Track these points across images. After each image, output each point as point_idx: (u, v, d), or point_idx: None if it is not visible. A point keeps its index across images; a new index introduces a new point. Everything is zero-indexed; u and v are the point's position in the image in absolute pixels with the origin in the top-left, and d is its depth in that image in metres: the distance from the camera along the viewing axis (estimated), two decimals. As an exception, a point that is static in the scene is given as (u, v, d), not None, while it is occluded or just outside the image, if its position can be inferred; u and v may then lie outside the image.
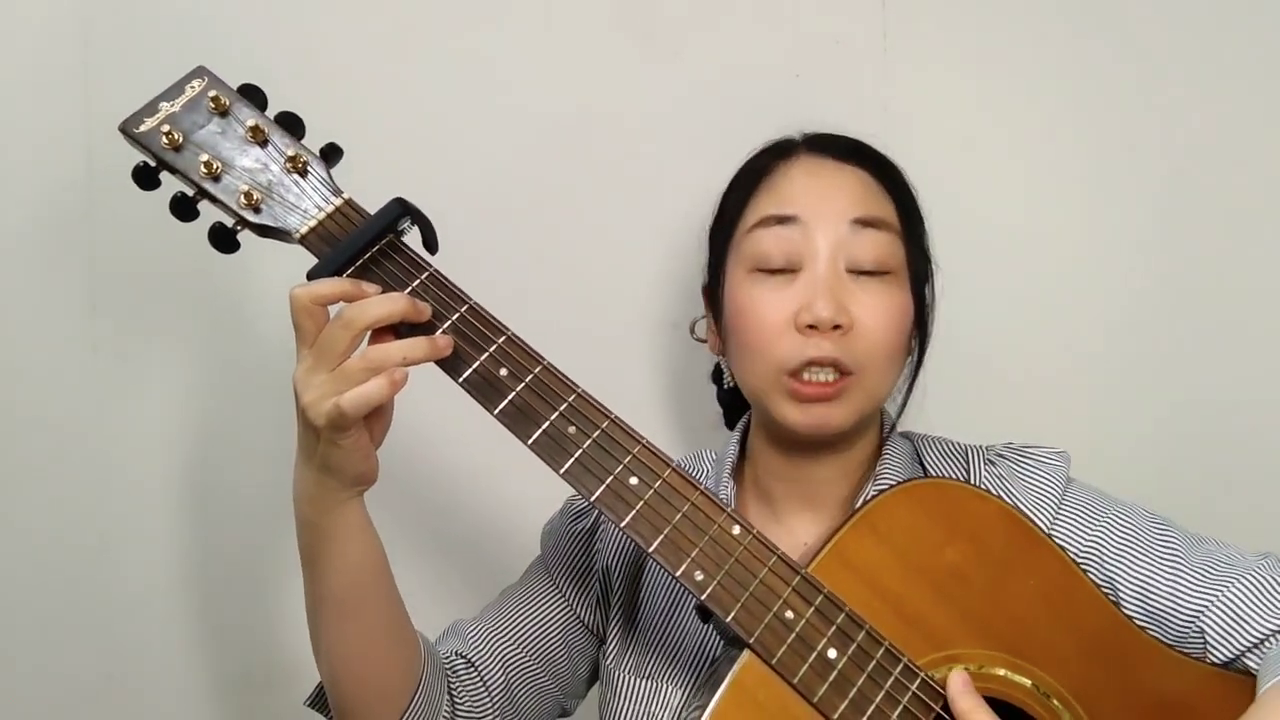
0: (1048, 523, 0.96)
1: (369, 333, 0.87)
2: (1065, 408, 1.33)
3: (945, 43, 1.33)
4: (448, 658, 1.02)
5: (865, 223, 0.98)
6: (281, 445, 1.29)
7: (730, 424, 1.15)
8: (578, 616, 1.08)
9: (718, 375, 1.13)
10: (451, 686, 1.00)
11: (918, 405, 1.07)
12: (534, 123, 1.32)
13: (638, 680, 1.01)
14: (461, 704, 1.00)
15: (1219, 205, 1.31)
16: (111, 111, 1.26)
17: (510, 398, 0.88)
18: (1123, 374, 1.33)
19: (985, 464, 1.01)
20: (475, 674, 1.02)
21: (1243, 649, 0.90)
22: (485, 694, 1.02)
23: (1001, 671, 0.88)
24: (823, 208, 0.98)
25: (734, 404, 1.13)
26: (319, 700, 1.02)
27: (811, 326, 0.95)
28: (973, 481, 0.99)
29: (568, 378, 0.89)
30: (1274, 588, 0.91)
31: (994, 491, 0.96)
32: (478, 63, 1.33)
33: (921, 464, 1.04)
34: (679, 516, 0.87)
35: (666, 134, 1.33)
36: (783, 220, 0.98)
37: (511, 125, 1.32)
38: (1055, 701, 0.88)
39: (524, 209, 1.32)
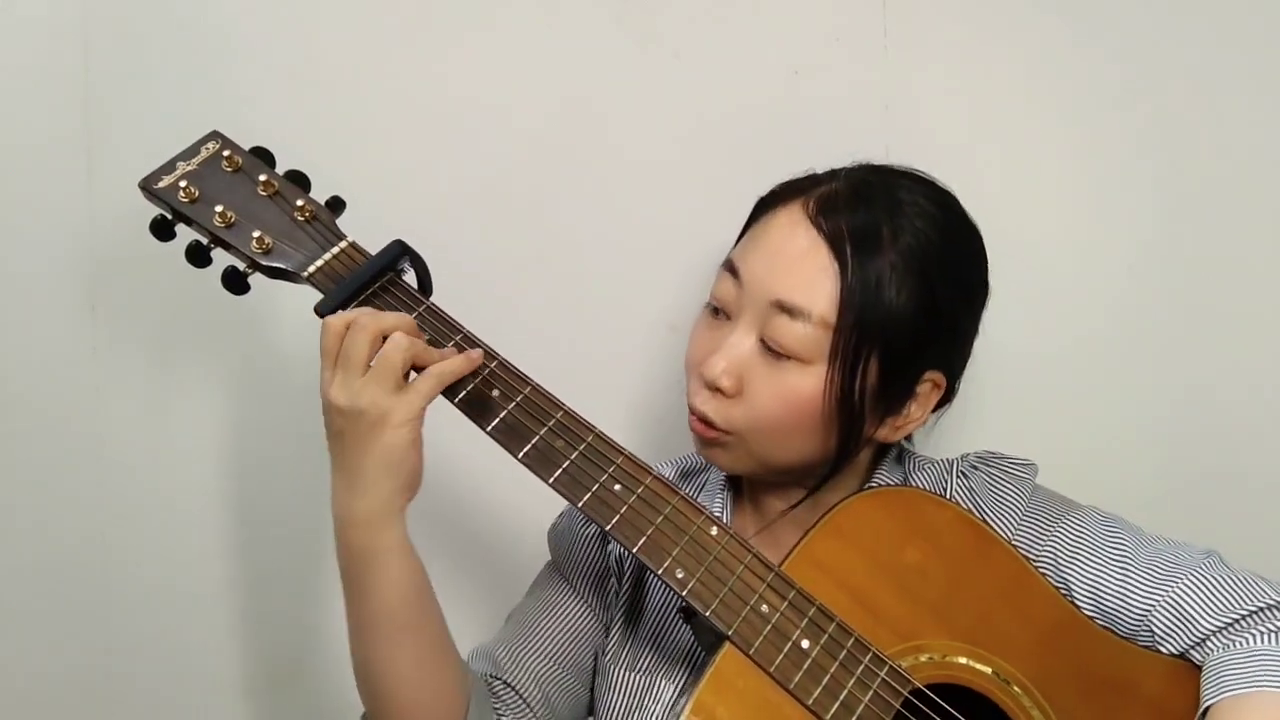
0: (1012, 528, 1.01)
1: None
2: (1064, 407, 1.32)
3: (945, 41, 1.32)
4: (485, 680, 1.04)
5: (783, 308, 0.96)
6: (281, 444, 1.33)
7: None
8: (598, 618, 1.10)
9: None
10: (496, 709, 1.03)
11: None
12: (533, 122, 1.33)
13: (632, 675, 1.05)
14: None
15: (1220, 204, 1.30)
16: (111, 112, 1.30)
17: (502, 416, 0.96)
18: (1122, 373, 1.32)
19: (959, 476, 1.05)
20: (513, 693, 1.04)
21: (1187, 645, 0.95)
22: (528, 710, 1.04)
23: (963, 660, 0.95)
24: (760, 276, 0.98)
25: None
26: None
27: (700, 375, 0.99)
28: (949, 493, 1.04)
29: (554, 397, 0.97)
30: (1215, 586, 0.96)
31: (965, 502, 1.02)
32: (477, 62, 1.33)
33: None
34: (660, 519, 0.94)
35: (667, 133, 1.33)
36: (733, 271, 1.00)
37: (511, 125, 1.33)
38: (1015, 687, 0.94)
39: (523, 209, 1.33)
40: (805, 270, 0.96)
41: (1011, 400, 1.30)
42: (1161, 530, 1.03)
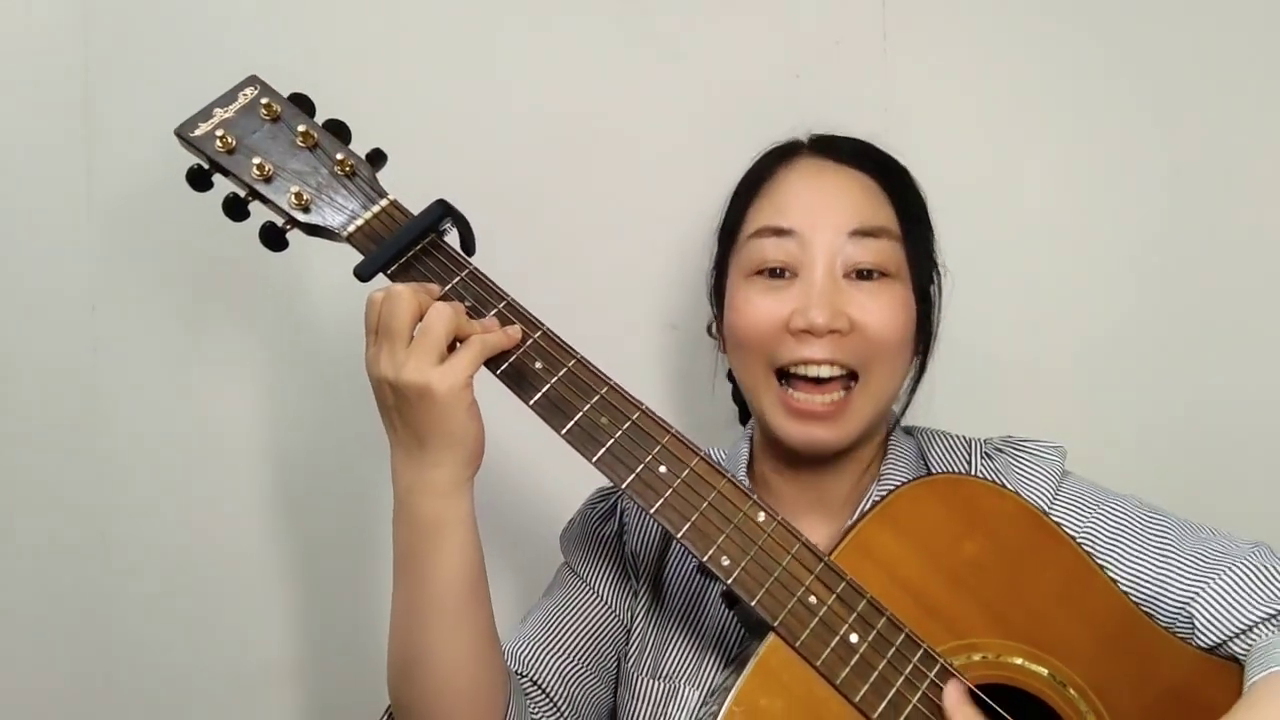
0: (1044, 514, 0.98)
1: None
2: (1068, 404, 1.34)
3: (945, 43, 1.34)
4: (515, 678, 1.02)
5: (863, 233, 1.00)
6: (282, 444, 1.34)
7: (744, 420, 1.18)
8: (619, 619, 1.08)
9: (733, 374, 1.16)
10: (529, 709, 1.01)
11: (921, 402, 1.10)
12: (535, 123, 1.34)
13: (654, 681, 1.03)
14: None
15: (1221, 203, 1.32)
16: (111, 111, 1.30)
17: (545, 390, 0.92)
18: (1125, 370, 1.33)
19: (983, 458, 1.04)
20: (542, 693, 1.02)
21: (1228, 635, 0.93)
22: (554, 709, 1.02)
23: (1019, 660, 0.91)
24: (820, 220, 1.00)
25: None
26: None
27: (806, 331, 0.98)
28: (972, 473, 1.02)
29: (601, 371, 0.93)
30: (1262, 576, 0.94)
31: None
32: (478, 62, 1.34)
33: (925, 460, 1.06)
34: (706, 504, 0.90)
35: (667, 134, 1.34)
36: (780, 232, 1.01)
37: (512, 125, 1.34)
38: (1071, 690, 0.91)
39: (524, 209, 1.33)
40: (855, 196, 1.01)
41: (1014, 396, 1.33)
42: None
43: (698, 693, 1.01)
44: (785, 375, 1.01)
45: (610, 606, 1.08)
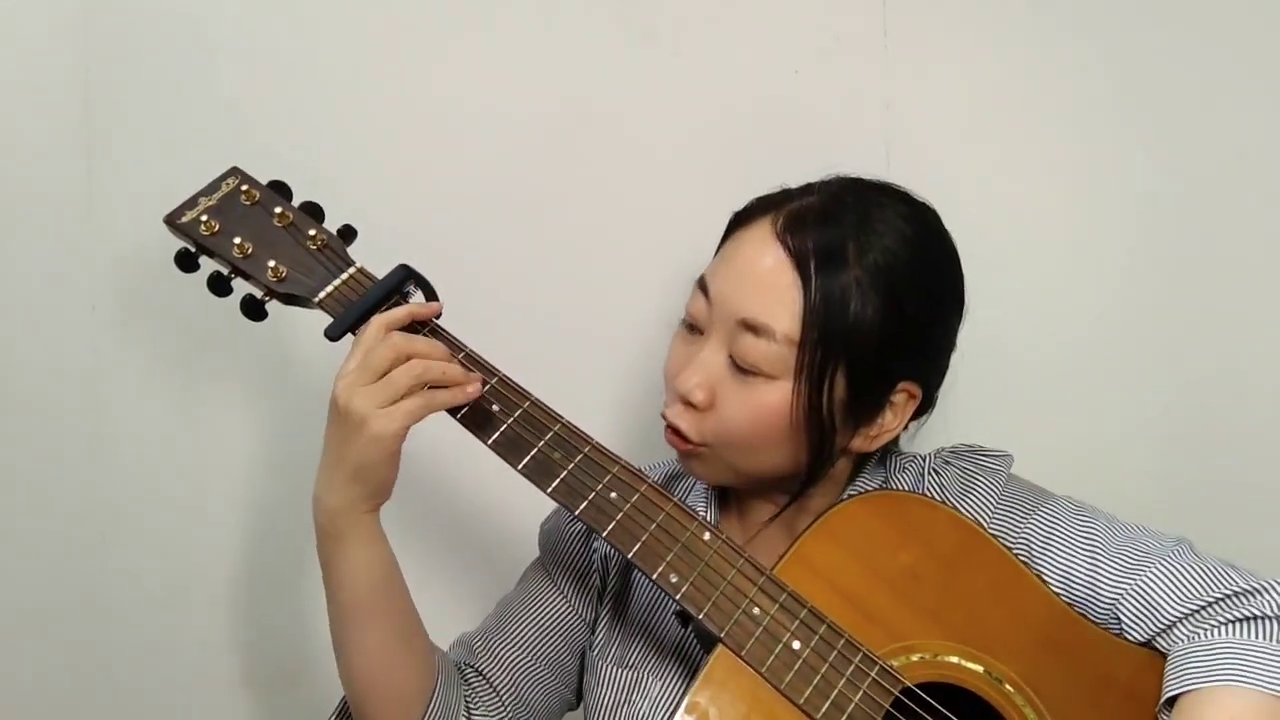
0: (986, 521, 1.04)
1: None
2: (1061, 405, 1.33)
3: (946, 41, 1.32)
4: (459, 668, 1.10)
5: (748, 326, 0.98)
6: (281, 446, 1.36)
7: None
8: (579, 614, 1.14)
9: None
10: (466, 696, 1.08)
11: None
12: (533, 121, 1.35)
13: (620, 670, 1.09)
14: (476, 711, 1.08)
15: (1219, 204, 1.30)
16: (111, 112, 1.32)
17: (502, 430, 1.00)
18: (1120, 372, 1.32)
19: (931, 473, 1.08)
20: (485, 683, 1.10)
21: (1153, 633, 0.97)
22: (498, 701, 1.09)
23: (955, 659, 0.96)
24: (729, 294, 1.00)
25: None
26: (343, 716, 1.09)
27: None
28: (921, 492, 1.07)
29: (552, 410, 1.01)
30: (1182, 574, 0.97)
31: (936, 499, 1.05)
32: (477, 61, 1.35)
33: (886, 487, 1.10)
34: (655, 525, 0.97)
35: (667, 132, 1.34)
36: (704, 289, 1.03)
37: (511, 124, 1.35)
38: (1007, 686, 0.96)
39: (523, 208, 1.35)
40: (769, 288, 0.98)
41: (1006, 401, 1.31)
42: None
43: (660, 683, 1.06)
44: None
45: (572, 604, 1.14)
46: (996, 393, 1.29)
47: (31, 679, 1.37)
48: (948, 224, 1.06)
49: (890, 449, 1.11)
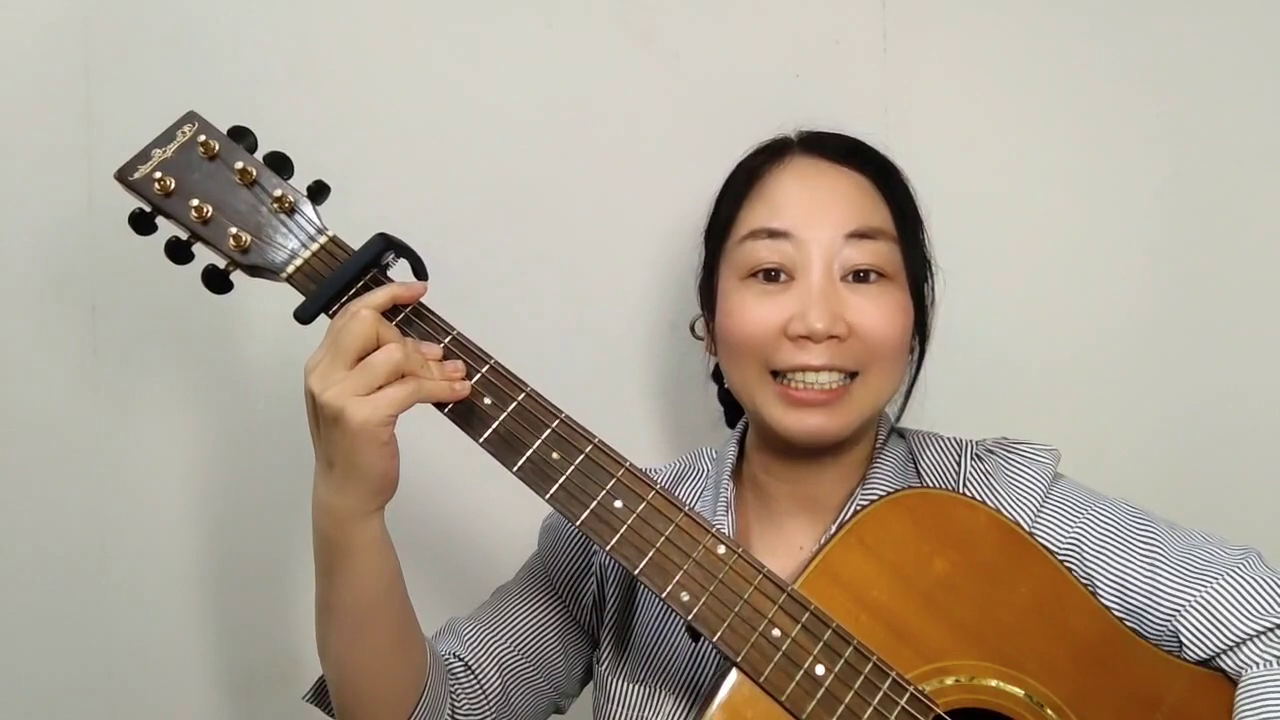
0: (1030, 519, 0.96)
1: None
2: (1066, 406, 1.32)
3: (945, 43, 1.34)
4: (447, 660, 1.04)
5: (860, 235, 0.97)
6: (281, 449, 1.34)
7: (731, 422, 1.15)
8: (573, 617, 1.09)
9: (718, 374, 1.13)
10: (452, 692, 1.02)
11: (919, 404, 1.07)
12: (533, 122, 1.34)
13: (632, 686, 1.02)
14: (460, 706, 1.02)
15: (1220, 204, 1.31)
16: (111, 112, 1.31)
17: (494, 427, 0.90)
18: (1123, 372, 1.32)
19: (973, 459, 1.01)
20: (472, 677, 1.03)
21: (1217, 651, 0.90)
22: (483, 696, 1.03)
23: (993, 682, 0.88)
24: (815, 220, 0.98)
25: (734, 403, 1.13)
26: (319, 696, 1.03)
27: (804, 337, 0.96)
28: (961, 477, 0.99)
29: (551, 403, 0.91)
30: (1251, 589, 0.90)
31: (978, 490, 0.97)
32: (477, 61, 1.34)
33: (916, 464, 1.04)
34: (663, 538, 0.88)
35: (666, 134, 1.34)
36: (775, 234, 0.98)
37: (511, 124, 1.34)
38: (1049, 710, 0.88)
39: (523, 208, 1.33)
40: (851, 195, 0.99)
41: (1012, 399, 1.32)
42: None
43: (674, 697, 1.00)
44: (781, 376, 0.98)
45: (567, 607, 1.09)
46: (997, 394, 1.32)
47: (31, 681, 1.36)
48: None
49: (897, 429, 1.07)
